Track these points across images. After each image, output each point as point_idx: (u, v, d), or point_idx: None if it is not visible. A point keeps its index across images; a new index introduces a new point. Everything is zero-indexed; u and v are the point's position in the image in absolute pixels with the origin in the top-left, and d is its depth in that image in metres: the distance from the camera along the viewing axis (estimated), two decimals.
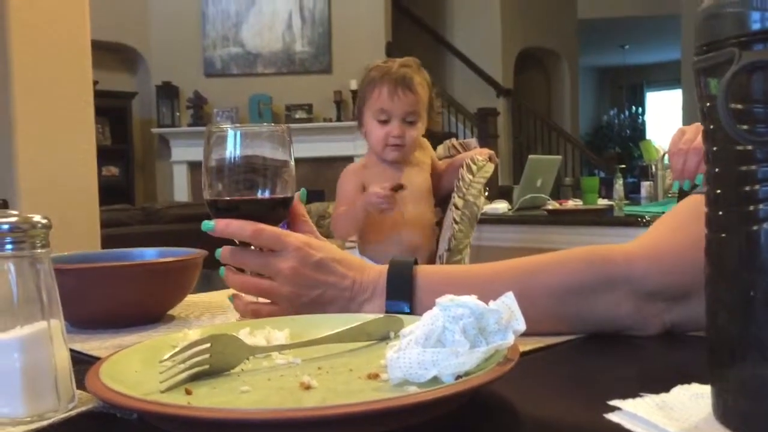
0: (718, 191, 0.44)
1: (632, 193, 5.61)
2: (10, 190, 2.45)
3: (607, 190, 4.58)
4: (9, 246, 0.50)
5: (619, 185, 3.71)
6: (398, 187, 1.75)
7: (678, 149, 1.16)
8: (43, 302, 0.52)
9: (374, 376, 0.55)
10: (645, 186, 4.02)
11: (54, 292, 0.53)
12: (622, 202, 3.54)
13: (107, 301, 0.81)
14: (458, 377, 0.51)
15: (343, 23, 7.04)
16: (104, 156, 4.79)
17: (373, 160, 1.89)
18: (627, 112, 13.49)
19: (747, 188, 0.42)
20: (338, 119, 6.88)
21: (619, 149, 12.06)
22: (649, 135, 12.78)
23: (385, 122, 1.79)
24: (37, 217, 0.52)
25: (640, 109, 13.68)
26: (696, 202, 0.75)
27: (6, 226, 0.50)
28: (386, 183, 1.75)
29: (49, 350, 0.51)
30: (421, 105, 1.82)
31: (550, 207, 3.41)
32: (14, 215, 0.51)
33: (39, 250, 0.51)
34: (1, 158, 2.55)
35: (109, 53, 6.78)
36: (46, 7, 2.52)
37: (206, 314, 0.92)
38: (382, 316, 0.68)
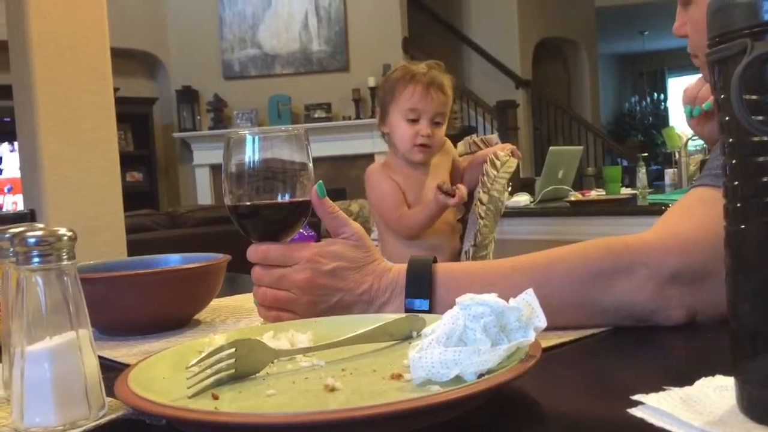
0: (736, 183, 0.44)
1: (656, 180, 5.56)
2: (36, 200, 2.49)
3: (630, 179, 4.54)
4: (36, 259, 0.51)
5: (642, 174, 3.68)
6: (447, 192, 1.77)
7: (698, 80, 1.15)
8: (71, 313, 0.53)
9: (397, 377, 0.56)
10: (669, 173, 3.98)
11: (81, 303, 0.54)
12: (645, 191, 3.51)
13: (134, 308, 0.82)
14: (480, 375, 0.51)
15: (358, 21, 7.05)
16: (127, 162, 4.85)
17: (394, 159, 1.89)
18: (649, 99, 13.33)
19: (764, 179, 0.42)
20: (357, 117, 6.89)
21: (641, 137, 11.94)
22: (671, 121, 12.63)
23: (414, 121, 1.79)
24: (62, 230, 0.53)
25: (662, 96, 13.52)
26: (701, 192, 0.76)
27: (33, 240, 0.51)
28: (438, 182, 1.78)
29: (78, 359, 0.52)
30: (448, 107, 1.85)
31: (572, 198, 3.39)
32: (41, 229, 0.53)
33: (65, 262, 0.52)
34: (27, 168, 2.59)
35: (129, 60, 6.85)
36: (65, 17, 2.56)
37: (231, 318, 0.93)
38: (404, 315, 0.68)
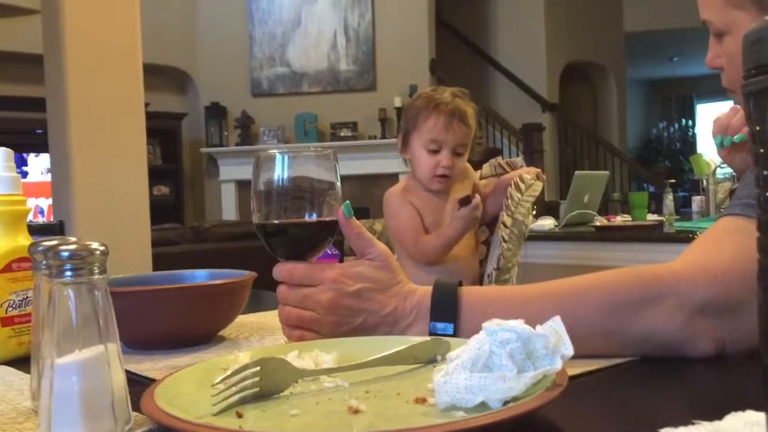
0: None
1: (683, 207, 5.50)
2: (66, 212, 2.52)
3: (656, 206, 4.50)
4: (68, 273, 0.52)
5: (669, 200, 3.64)
6: (466, 201, 1.75)
7: (730, 110, 1.14)
8: (101, 326, 0.53)
9: (422, 401, 0.55)
10: (696, 200, 3.93)
11: (111, 317, 0.54)
12: (672, 218, 3.47)
13: (161, 322, 0.83)
14: (506, 402, 0.51)
15: (386, 41, 7.10)
16: (155, 175, 4.90)
17: (414, 182, 1.89)
18: (677, 125, 13.23)
19: None
20: (383, 136, 6.91)
21: (669, 163, 11.84)
22: (699, 148, 12.50)
23: (435, 152, 1.79)
24: (95, 244, 0.54)
25: (690, 122, 13.41)
26: (730, 222, 0.75)
27: (66, 254, 0.52)
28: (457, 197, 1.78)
29: (106, 373, 0.53)
30: (470, 137, 1.84)
31: (597, 223, 3.36)
32: (73, 243, 0.53)
33: (97, 277, 0.53)
34: (58, 181, 2.63)
35: (160, 76, 6.96)
36: (100, 34, 2.60)
37: (255, 335, 0.93)
38: (429, 339, 0.68)
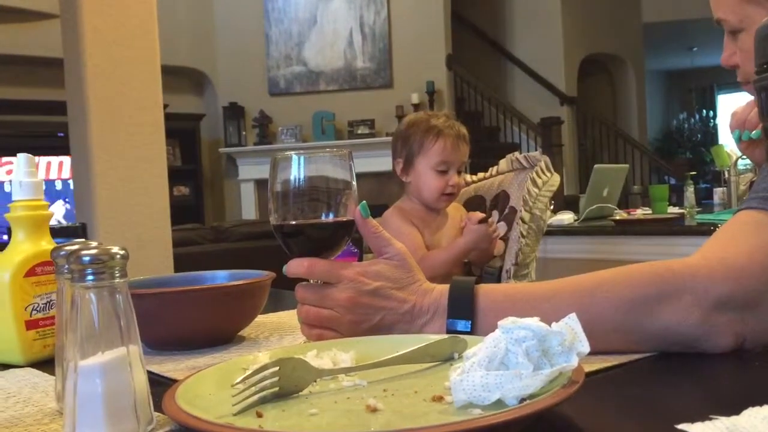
0: None
1: (705, 199, 5.44)
2: (88, 214, 2.55)
3: (677, 198, 4.46)
4: (90, 277, 0.53)
5: (690, 192, 3.61)
6: (485, 219, 1.82)
7: (747, 104, 1.13)
8: (122, 329, 0.54)
9: (439, 399, 0.56)
10: (718, 192, 3.90)
11: (132, 319, 0.55)
12: (693, 210, 3.44)
13: (182, 323, 0.84)
14: (522, 400, 0.51)
15: (403, 38, 7.09)
16: (174, 176, 4.94)
17: (411, 204, 1.93)
18: (697, 116, 13.09)
19: None
20: None
21: (689, 155, 11.72)
22: (721, 139, 12.36)
23: (443, 173, 1.86)
24: (115, 249, 0.55)
25: (711, 113, 13.26)
26: (748, 216, 0.74)
27: (87, 258, 0.53)
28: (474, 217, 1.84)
29: (128, 375, 0.54)
30: (468, 156, 1.94)
31: (617, 217, 3.34)
32: (95, 247, 0.54)
33: (118, 280, 0.54)
34: (80, 183, 2.67)
35: (178, 77, 7.01)
36: (118, 36, 2.63)
37: (275, 335, 0.94)
38: (446, 336, 0.69)
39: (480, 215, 1.85)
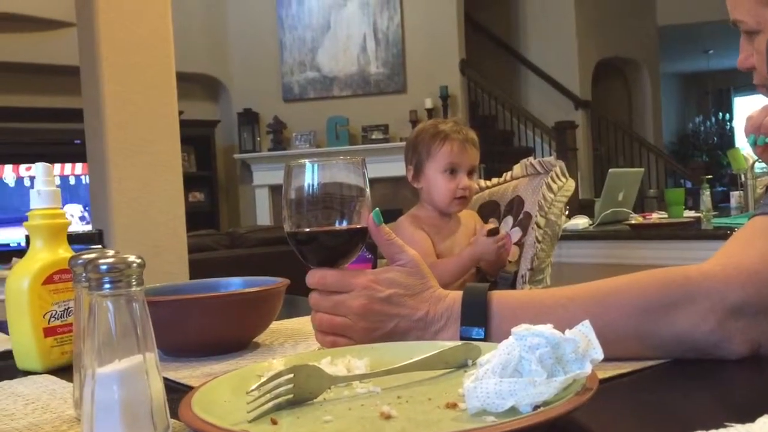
0: None
1: (722, 202, 5.40)
2: (105, 221, 2.58)
3: (693, 201, 4.44)
4: (107, 285, 0.54)
5: (706, 196, 3.59)
6: (495, 231, 1.83)
7: (763, 107, 1.12)
8: (139, 336, 0.55)
9: (452, 406, 0.56)
10: (735, 196, 3.87)
11: (148, 327, 0.56)
12: (710, 214, 3.42)
13: (197, 330, 0.85)
14: (536, 407, 0.51)
15: (416, 43, 7.10)
16: (190, 182, 4.98)
17: (424, 211, 1.94)
18: (714, 119, 13.00)
19: None
20: None
21: (706, 158, 11.64)
22: (737, 142, 12.26)
23: (452, 176, 1.87)
24: (132, 257, 0.55)
25: (727, 116, 13.16)
26: (763, 222, 0.74)
27: (104, 267, 0.54)
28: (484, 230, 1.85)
29: (145, 382, 0.54)
30: (478, 160, 1.95)
31: (633, 221, 3.32)
32: (111, 256, 0.55)
33: (134, 289, 0.54)
34: (96, 190, 2.69)
35: (193, 84, 7.06)
36: (133, 45, 2.66)
37: (289, 341, 0.94)
38: (459, 343, 0.69)
39: (489, 227, 1.86)
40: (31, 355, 0.85)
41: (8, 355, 0.90)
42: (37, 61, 6.21)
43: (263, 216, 7.25)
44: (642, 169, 4.13)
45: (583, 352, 0.55)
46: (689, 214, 3.59)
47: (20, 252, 0.88)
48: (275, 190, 7.12)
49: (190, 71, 6.68)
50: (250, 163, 7.34)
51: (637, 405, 0.61)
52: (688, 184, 6.94)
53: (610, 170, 3.57)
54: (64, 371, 0.83)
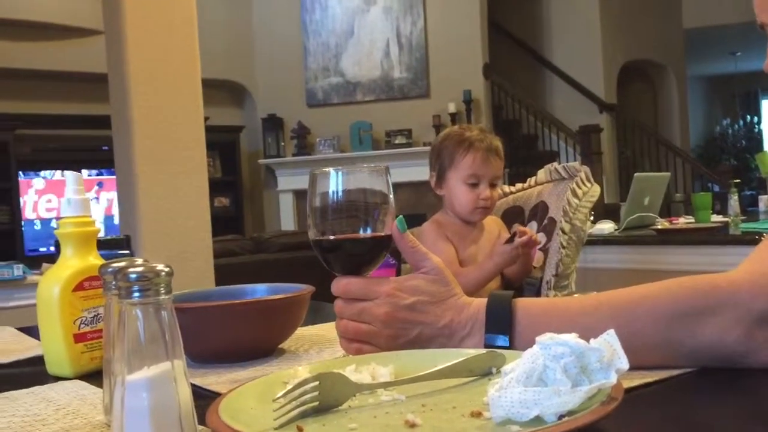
0: None
1: (750, 207, 5.33)
2: (132, 226, 2.61)
3: (721, 206, 4.38)
4: (136, 294, 0.55)
5: (734, 200, 3.54)
6: (512, 238, 1.80)
7: None
8: (167, 344, 0.56)
9: (477, 414, 0.56)
10: (763, 200, 3.82)
11: (176, 334, 0.57)
12: (738, 219, 3.37)
13: (223, 337, 0.86)
14: (561, 417, 0.51)
15: (439, 47, 7.10)
16: (215, 188, 5.03)
17: (447, 217, 1.94)
18: (741, 122, 12.83)
19: None
20: None
21: (734, 161, 11.49)
22: (766, 145, 12.10)
23: (474, 186, 1.86)
24: (160, 266, 0.56)
25: (755, 118, 12.98)
26: None
27: (134, 276, 0.55)
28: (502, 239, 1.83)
29: (173, 389, 0.55)
30: (502, 169, 1.94)
31: (659, 226, 3.29)
32: (141, 265, 0.56)
33: (163, 297, 0.55)
34: (125, 197, 2.73)
35: (218, 90, 7.13)
36: (161, 53, 2.69)
37: (314, 348, 0.95)
38: (484, 351, 0.69)
39: (507, 235, 1.85)
40: (61, 360, 0.87)
41: (39, 360, 0.92)
42: (65, 69, 6.32)
43: (287, 221, 7.29)
44: (668, 174, 4.08)
45: (608, 361, 0.55)
46: (717, 218, 3.54)
47: (50, 257, 0.90)
48: (299, 195, 7.16)
49: (215, 77, 6.75)
50: (274, 168, 7.39)
51: (663, 415, 0.61)
52: (716, 188, 6.85)
53: (635, 174, 3.54)
54: (94, 376, 0.84)
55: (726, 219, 3.48)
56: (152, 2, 2.68)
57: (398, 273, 1.37)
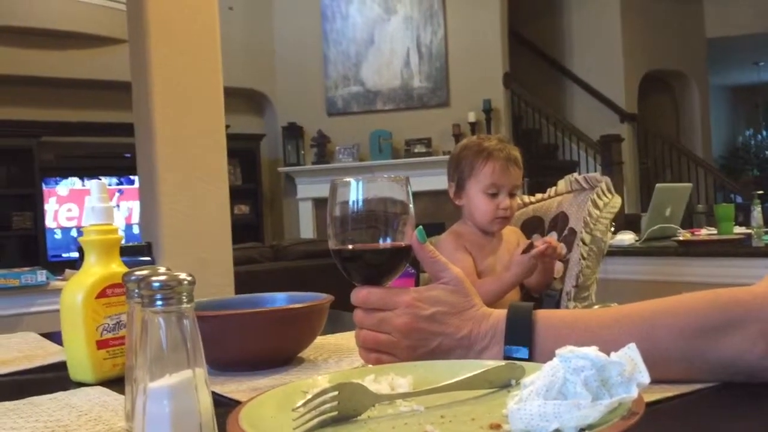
0: None
1: None
2: (154, 234, 2.63)
3: (744, 217, 4.33)
4: (159, 302, 0.55)
5: (757, 212, 3.50)
6: (529, 248, 1.79)
7: None
8: (189, 352, 0.56)
9: (496, 426, 0.56)
10: None
11: (197, 342, 0.57)
12: (761, 230, 3.33)
13: (243, 345, 0.86)
14: (581, 430, 0.51)
15: (459, 57, 7.11)
16: (235, 195, 5.06)
17: (466, 228, 1.93)
18: (765, 132, 12.69)
19: None
20: None
21: (757, 172, 11.36)
22: None
23: (493, 196, 1.86)
24: (182, 275, 0.57)
25: None
26: None
27: (156, 284, 0.56)
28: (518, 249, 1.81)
29: (194, 397, 0.56)
30: (521, 179, 1.94)
31: (680, 237, 3.26)
32: (163, 273, 0.57)
33: (185, 305, 0.56)
34: (146, 204, 2.75)
35: (239, 98, 7.18)
36: (183, 62, 2.72)
37: (333, 357, 0.95)
38: (503, 363, 0.69)
39: (524, 246, 1.83)
40: (84, 366, 0.88)
41: (62, 365, 0.93)
42: (88, 77, 6.40)
43: (306, 229, 7.31)
44: (690, 185, 4.05)
45: (629, 375, 0.54)
46: (739, 230, 3.50)
47: (72, 263, 0.91)
48: (319, 203, 7.19)
49: (236, 86, 6.80)
50: (294, 176, 7.42)
51: (685, 429, 0.60)
52: (739, 199, 6.78)
53: (657, 185, 3.51)
54: (116, 383, 0.85)
55: (749, 230, 3.44)
56: (175, 12, 2.71)
57: (417, 282, 1.37)
